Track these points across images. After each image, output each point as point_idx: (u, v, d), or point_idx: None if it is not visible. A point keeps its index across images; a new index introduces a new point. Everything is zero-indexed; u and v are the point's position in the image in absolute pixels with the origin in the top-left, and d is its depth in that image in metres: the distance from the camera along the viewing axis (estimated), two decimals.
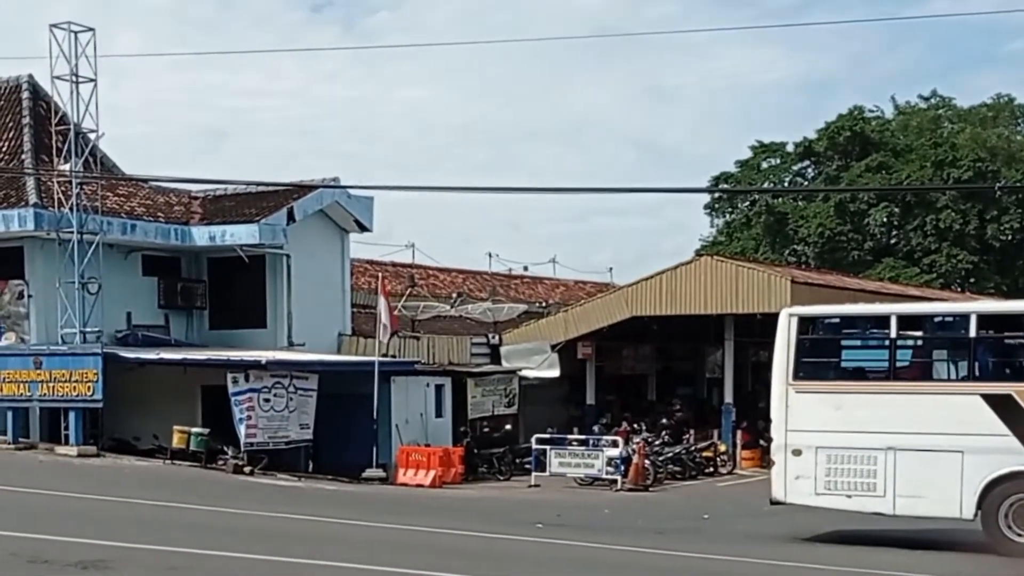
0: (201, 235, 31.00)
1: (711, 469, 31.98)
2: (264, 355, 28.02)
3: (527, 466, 29.26)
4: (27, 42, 67.97)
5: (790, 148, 60.53)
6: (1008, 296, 47.80)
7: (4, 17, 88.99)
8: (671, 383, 41.82)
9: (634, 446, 28.74)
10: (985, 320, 17.90)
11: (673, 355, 42.55)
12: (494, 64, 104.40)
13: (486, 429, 32.95)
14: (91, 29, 28.41)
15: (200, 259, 32.13)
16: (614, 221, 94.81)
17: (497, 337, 36.78)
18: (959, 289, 52.23)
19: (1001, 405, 17.05)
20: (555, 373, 35.51)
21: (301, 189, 31.40)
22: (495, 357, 36.13)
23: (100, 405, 26.77)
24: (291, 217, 31.09)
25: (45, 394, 26.85)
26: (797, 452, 18.24)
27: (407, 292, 38.33)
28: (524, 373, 35.18)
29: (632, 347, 40.42)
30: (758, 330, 31.30)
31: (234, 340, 30.81)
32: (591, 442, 29.15)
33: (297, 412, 27.73)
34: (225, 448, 26.62)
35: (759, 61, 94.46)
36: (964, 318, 18.15)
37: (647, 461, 28.49)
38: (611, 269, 51.92)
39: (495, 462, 30.58)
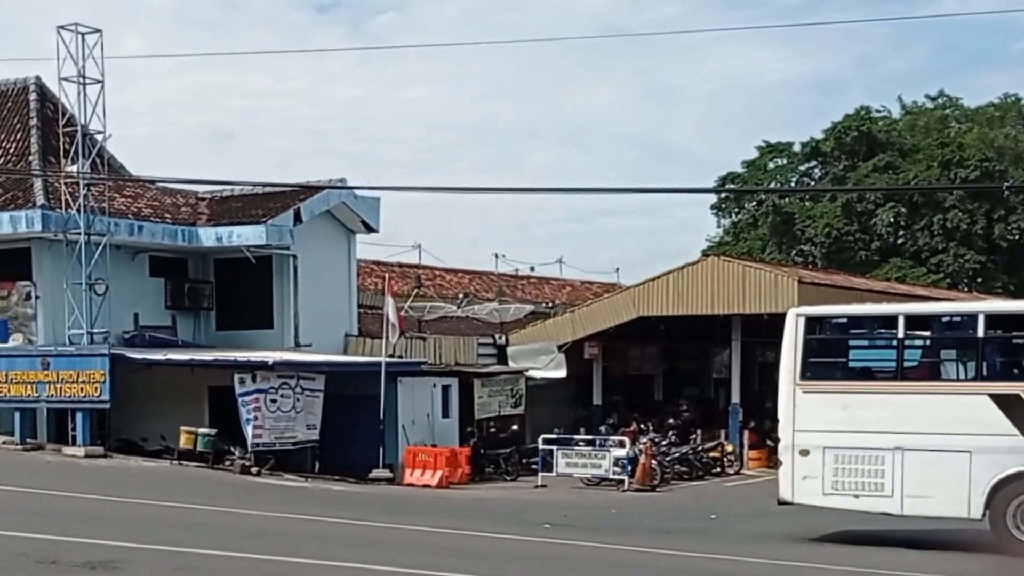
0: (208, 236, 31.04)
1: (718, 469, 31.94)
2: (271, 356, 28.03)
3: (534, 466, 29.25)
4: (34, 44, 68.21)
5: (797, 148, 60.52)
6: (1016, 296, 47.79)
7: (11, 19, 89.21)
8: (678, 383, 41.80)
9: (641, 446, 28.73)
10: (993, 320, 17.85)
11: (680, 355, 42.51)
12: (499, 64, 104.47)
13: (493, 429, 32.95)
14: (98, 30, 28.51)
15: (207, 260, 32.17)
16: (620, 221, 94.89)
17: (504, 337, 36.78)
18: (966, 289, 52.15)
19: (1009, 405, 17.00)
20: (562, 373, 35.50)
21: (308, 190, 31.42)
22: (502, 357, 36.14)
23: (107, 406, 26.79)
24: (298, 218, 31.11)
25: (52, 395, 26.87)
26: (804, 452, 18.20)
27: (414, 293, 38.34)
28: (531, 373, 35.18)
29: (639, 347, 40.39)
30: (765, 330, 31.27)
31: (241, 341, 30.84)
32: (598, 442, 29.14)
33: (304, 413, 27.74)
34: (232, 449, 26.64)
35: (765, 61, 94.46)
36: (972, 318, 18.12)
37: (654, 461, 28.47)
38: (617, 269, 51.93)
39: (502, 462, 30.57)
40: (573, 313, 37.09)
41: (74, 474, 23.55)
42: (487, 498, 26.27)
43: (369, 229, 33.88)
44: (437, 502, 24.41)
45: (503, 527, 18.73)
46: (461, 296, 40.86)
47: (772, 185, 60.24)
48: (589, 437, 30.13)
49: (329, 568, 13.10)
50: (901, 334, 18.16)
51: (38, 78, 31.81)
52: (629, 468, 27.76)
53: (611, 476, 27.95)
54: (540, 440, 29.24)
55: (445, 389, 31.67)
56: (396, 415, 29.43)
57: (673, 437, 32.36)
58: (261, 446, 26.79)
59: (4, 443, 27.02)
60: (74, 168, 28.48)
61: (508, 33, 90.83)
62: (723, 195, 61.21)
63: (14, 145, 31.14)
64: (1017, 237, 53.57)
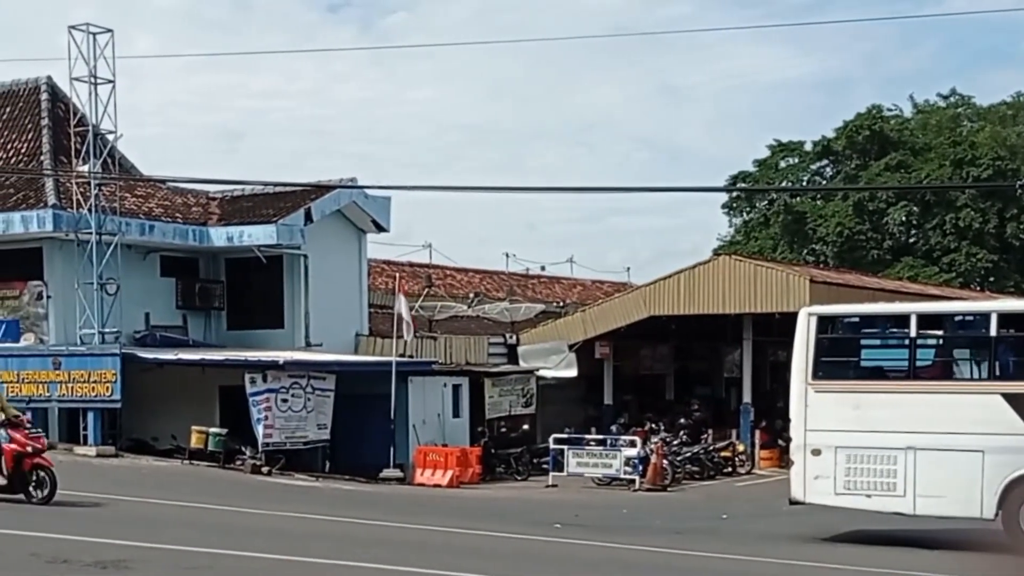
0: (219, 236, 31.08)
1: (729, 469, 31.89)
2: (282, 355, 28.06)
3: (545, 466, 29.22)
4: (45, 44, 68.35)
5: (808, 147, 60.37)
6: None
7: (23, 19, 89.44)
8: (689, 383, 41.73)
9: (652, 446, 28.68)
10: (1005, 319, 17.77)
11: (691, 355, 42.44)
12: (508, 64, 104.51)
13: (503, 429, 32.93)
14: (109, 31, 28.59)
15: (218, 260, 32.21)
16: (631, 221, 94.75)
17: (514, 337, 36.76)
18: (979, 288, 51.98)
19: (1022, 404, 16.94)
20: (572, 373, 35.46)
21: (318, 189, 31.44)
22: (512, 357, 36.11)
23: (119, 405, 26.86)
24: (308, 217, 31.13)
25: (64, 394, 26.95)
26: (816, 452, 18.15)
27: (424, 292, 38.33)
28: (542, 373, 35.15)
29: (650, 347, 40.33)
30: (776, 330, 31.21)
31: (252, 340, 30.87)
32: (609, 442, 29.11)
33: (315, 412, 27.75)
34: (243, 448, 26.66)
35: (775, 60, 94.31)
36: (984, 317, 18.05)
37: (665, 461, 28.43)
38: (628, 269, 51.87)
39: (513, 462, 30.54)
40: (584, 312, 37.06)
41: (86, 474, 23.55)
42: (498, 498, 26.25)
43: (380, 229, 33.89)
44: (448, 502, 24.39)
45: (514, 527, 18.70)
46: (472, 295, 40.84)
47: (783, 184, 60.12)
48: (600, 437, 30.10)
49: (340, 568, 13.08)
50: (913, 333, 18.10)
51: (49, 78, 31.88)
52: (640, 468, 27.73)
53: (622, 476, 27.91)
54: (551, 440, 29.21)
55: (456, 389, 31.67)
56: (407, 415, 29.43)
57: (684, 437, 32.32)
58: (272, 446, 26.81)
59: None
60: (85, 168, 28.55)
61: (516, 33, 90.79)
62: (734, 194, 61.10)
63: (26, 145, 31.21)
64: None
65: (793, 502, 18.72)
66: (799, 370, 18.50)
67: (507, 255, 45.84)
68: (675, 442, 31.15)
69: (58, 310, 28.77)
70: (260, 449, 26.55)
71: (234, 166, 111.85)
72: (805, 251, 56.40)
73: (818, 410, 18.28)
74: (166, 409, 28.29)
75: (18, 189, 29.54)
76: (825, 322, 18.84)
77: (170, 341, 30.18)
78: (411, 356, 31.39)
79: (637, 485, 27.53)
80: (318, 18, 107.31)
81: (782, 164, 61.28)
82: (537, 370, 35.11)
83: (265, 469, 26.08)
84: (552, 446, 28.84)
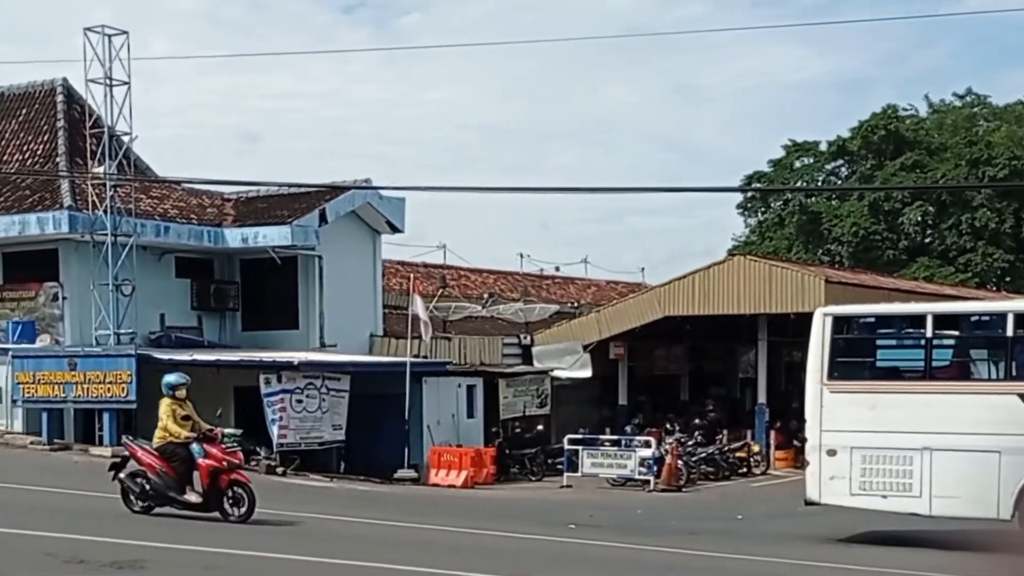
0: (234, 237, 31.14)
1: (744, 469, 31.82)
2: (296, 356, 28.09)
3: (559, 467, 29.20)
4: (61, 46, 68.58)
5: (823, 147, 60.24)
6: None
7: (39, 21, 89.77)
8: (704, 383, 41.65)
9: (667, 446, 28.64)
10: (1022, 319, 17.68)
11: (706, 355, 42.36)
12: (523, 64, 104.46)
13: (518, 430, 32.92)
14: (125, 32, 28.68)
15: (233, 261, 32.27)
16: (645, 221, 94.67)
17: (529, 337, 36.75)
18: (995, 288, 51.79)
19: None
20: (587, 373, 35.43)
21: (333, 190, 31.47)
22: (527, 357, 36.10)
23: (134, 406, 26.88)
24: (323, 218, 31.16)
25: (79, 395, 27.01)
26: (832, 452, 18.10)
27: (439, 293, 38.35)
28: (556, 373, 35.13)
29: (665, 347, 40.27)
30: (791, 330, 31.13)
31: (266, 341, 30.92)
32: (623, 442, 29.07)
33: (330, 413, 27.77)
34: (258, 449, 26.67)
35: (790, 60, 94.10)
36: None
37: (680, 462, 28.38)
38: (643, 269, 51.81)
39: (527, 463, 30.53)
40: (598, 313, 37.02)
41: (101, 474, 23.47)
42: (512, 498, 26.24)
43: (394, 229, 33.91)
44: (462, 502, 24.39)
45: (528, 527, 18.69)
46: (486, 296, 40.84)
47: (798, 184, 59.99)
48: (615, 437, 30.07)
49: (355, 568, 13.09)
50: (929, 333, 18.03)
51: (65, 80, 31.99)
52: (655, 468, 27.68)
53: (637, 476, 27.87)
54: (565, 440, 29.18)
55: (470, 389, 31.67)
56: (421, 415, 29.44)
57: (699, 437, 32.25)
58: (286, 446, 26.84)
59: (32, 443, 27.19)
60: (101, 169, 28.64)
61: (531, 33, 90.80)
62: (749, 194, 61.02)
63: (41, 147, 31.33)
64: None
65: (808, 503, 18.67)
66: (814, 370, 18.45)
67: (521, 256, 45.86)
68: (690, 442, 31.10)
69: (74, 311, 28.86)
70: (275, 449, 26.58)
71: (250, 167, 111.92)
72: (820, 251, 56.28)
73: (833, 410, 18.23)
74: None
75: (34, 191, 29.64)
76: (841, 322, 18.78)
77: (185, 342, 30.24)
78: (425, 357, 31.41)
79: (652, 486, 27.48)
80: (333, 19, 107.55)
81: (797, 164, 61.17)
82: (551, 371, 35.09)
83: (280, 469, 26.10)
84: (566, 446, 28.81)
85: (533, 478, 29.98)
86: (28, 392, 27.50)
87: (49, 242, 28.84)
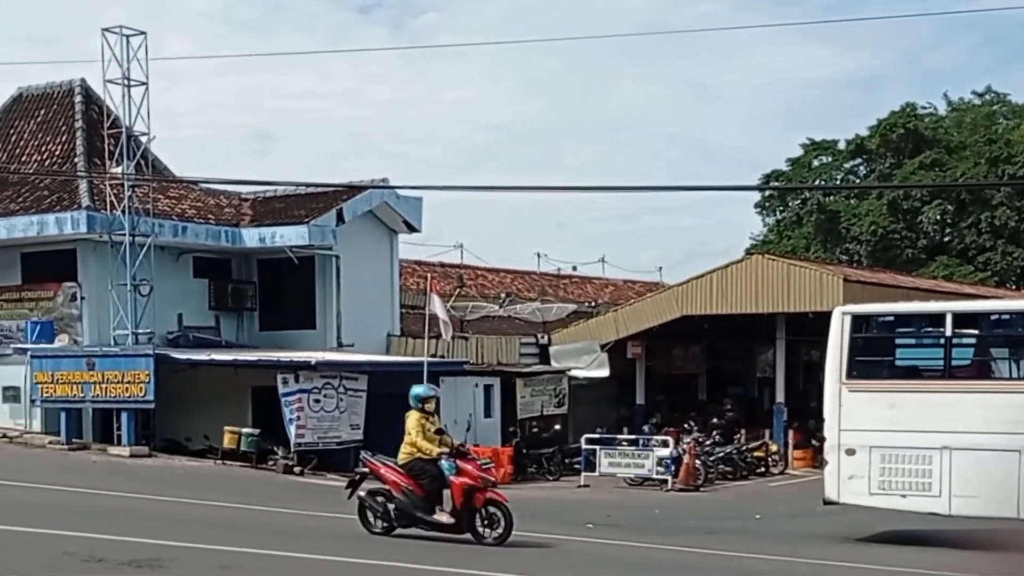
0: (251, 237, 31.17)
1: (762, 469, 31.75)
2: (314, 356, 28.10)
3: (576, 466, 29.17)
4: (79, 47, 68.81)
5: (842, 146, 60.06)
6: None
7: (57, 22, 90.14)
8: (722, 383, 41.57)
9: (684, 446, 28.58)
10: None
11: (724, 354, 42.29)
12: (540, 63, 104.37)
13: (535, 429, 32.90)
14: (142, 33, 28.72)
15: (250, 261, 32.31)
16: (663, 220, 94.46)
17: (546, 337, 36.71)
18: (1014, 287, 51.55)
19: None
20: (604, 373, 35.38)
21: (350, 190, 31.48)
22: (544, 357, 36.06)
23: (152, 406, 26.97)
24: (340, 218, 31.17)
25: (98, 395, 27.08)
26: (851, 452, 18.04)
27: (456, 292, 38.34)
28: (573, 373, 35.09)
29: (682, 347, 40.21)
30: (810, 329, 31.05)
31: (284, 341, 30.95)
32: (641, 442, 29.02)
33: (347, 412, 27.77)
34: (275, 448, 26.72)
35: (808, 58, 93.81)
36: (1020, 316, 17.95)
37: (698, 461, 28.32)
38: (660, 268, 51.83)
39: (544, 462, 30.51)
40: (616, 312, 36.98)
41: (119, 474, 23.71)
42: (529, 498, 26.18)
43: (411, 229, 33.89)
44: None
45: (546, 527, 18.64)
46: (503, 296, 40.83)
47: (816, 183, 59.81)
48: (632, 437, 30.02)
49: (373, 567, 13.09)
50: (949, 332, 17.96)
51: (83, 80, 32.10)
52: (672, 468, 27.63)
53: (654, 476, 27.82)
54: (583, 440, 29.15)
55: (487, 389, 31.66)
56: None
57: (717, 437, 32.19)
58: (305, 446, 26.85)
59: (50, 443, 27.28)
60: (119, 170, 28.71)
61: (547, 32, 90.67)
62: (767, 193, 60.85)
63: (60, 147, 31.44)
64: None
65: (827, 502, 18.62)
66: (833, 369, 18.40)
67: (538, 255, 45.85)
68: (708, 442, 31.03)
69: (92, 311, 28.94)
70: (292, 449, 26.60)
71: (267, 167, 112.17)
72: (838, 250, 56.09)
73: (852, 410, 18.17)
74: (199, 409, 28.40)
75: (52, 191, 29.74)
76: (859, 321, 18.72)
77: (203, 342, 30.29)
78: (443, 356, 31.40)
79: (669, 485, 27.43)
80: (350, 19, 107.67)
81: (815, 163, 60.98)
82: (569, 370, 35.05)
83: (297, 469, 26.14)
84: (584, 446, 28.78)
85: (550, 478, 29.95)
86: (47, 392, 27.60)
87: (67, 242, 28.92)
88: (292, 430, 26.64)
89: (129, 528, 14.81)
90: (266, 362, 27.93)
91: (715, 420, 34.86)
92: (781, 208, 61.72)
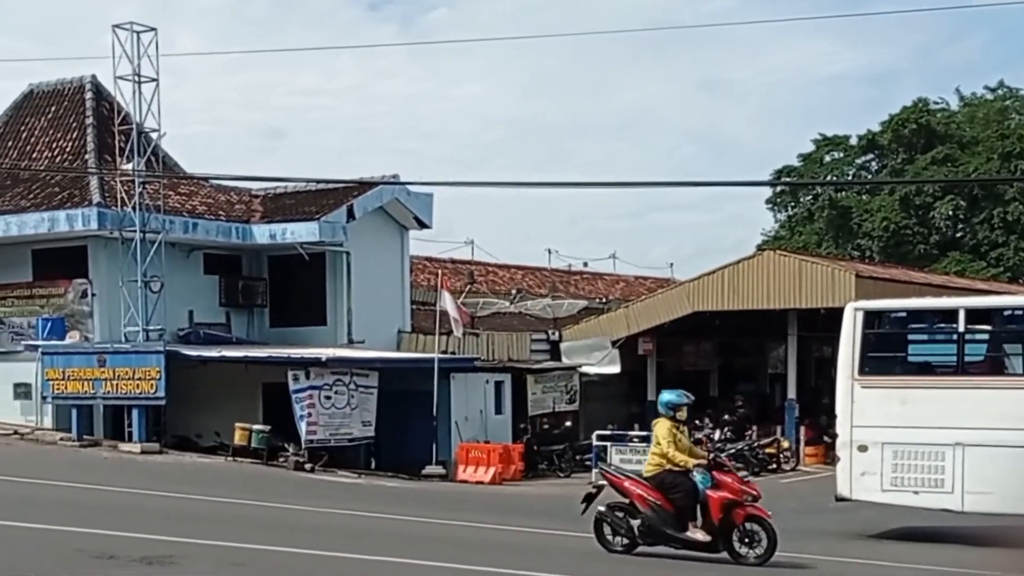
0: (262, 233, 31.17)
1: (774, 466, 31.67)
2: (324, 352, 28.11)
3: (587, 463, 29.12)
4: (90, 43, 68.92)
5: (853, 141, 59.90)
6: None
7: (68, 19, 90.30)
8: (733, 379, 41.50)
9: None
10: None
11: (735, 351, 42.21)
12: (551, 59, 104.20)
13: (546, 426, 32.86)
14: (153, 29, 28.73)
15: (261, 257, 32.31)
16: (674, 216, 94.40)
17: (557, 333, 36.67)
18: None
19: None
20: (616, 369, 35.32)
21: (361, 186, 31.47)
22: (555, 353, 36.02)
23: (163, 402, 27.00)
24: (351, 214, 31.16)
25: (109, 392, 27.12)
26: (863, 448, 17.98)
27: (466, 289, 38.32)
28: (584, 369, 35.04)
29: (694, 343, 40.13)
30: (822, 325, 30.96)
31: (294, 338, 30.95)
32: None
33: (359, 409, 27.76)
34: (286, 445, 26.72)
35: (820, 54, 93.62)
36: None
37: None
38: (671, 264, 51.74)
39: (555, 459, 30.47)
40: (627, 308, 36.92)
41: (130, 470, 23.73)
42: (540, 495, 26.17)
43: (422, 225, 33.87)
44: (490, 499, 24.33)
45: (557, 523, 18.61)
46: (514, 292, 40.81)
47: (828, 179, 59.66)
48: (643, 433, 29.90)
49: (384, 564, 13.06)
50: (961, 328, 17.87)
51: (94, 77, 32.13)
52: None
53: None
54: (594, 436, 29.09)
55: (498, 385, 31.61)
56: (449, 411, 29.39)
57: (728, 433, 32.13)
58: (316, 443, 26.85)
59: (61, 439, 27.31)
60: (129, 166, 28.72)
61: (558, 28, 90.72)
62: (779, 189, 60.71)
63: (70, 144, 31.46)
64: None
65: (839, 499, 18.56)
66: (845, 366, 18.34)
67: (549, 251, 45.90)
68: (719, 439, 30.96)
69: (103, 308, 28.96)
70: (303, 446, 26.59)
71: (277, 163, 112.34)
72: (850, 246, 55.95)
73: (865, 406, 18.11)
74: (210, 406, 28.42)
75: (63, 188, 29.77)
76: (872, 317, 18.65)
77: (213, 338, 30.30)
78: (453, 353, 31.39)
79: None
80: (359, 15, 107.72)
81: (827, 158, 60.82)
82: (580, 366, 35.00)
83: (308, 466, 26.13)
84: (595, 443, 28.72)
85: (561, 474, 29.91)
86: (58, 388, 27.64)
87: (78, 239, 28.95)
88: (303, 427, 26.63)
89: (141, 525, 14.81)
90: (277, 359, 27.93)
91: (726, 416, 34.79)
92: (793, 204, 61.61)
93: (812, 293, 31.70)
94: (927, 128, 56.52)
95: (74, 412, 27.54)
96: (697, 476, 13.97)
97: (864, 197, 57.73)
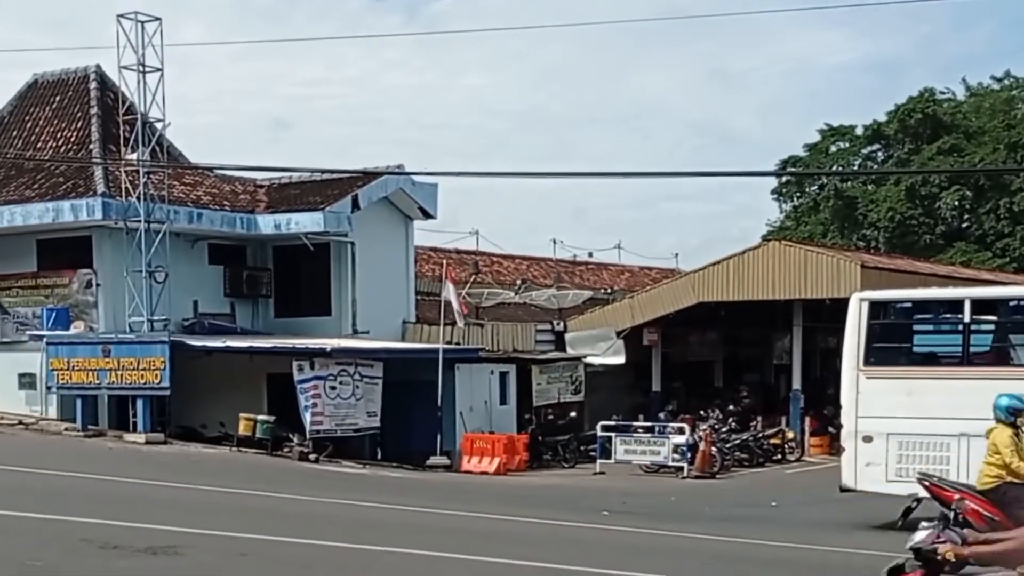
0: (266, 223, 31.16)
1: (779, 456, 31.67)
2: (329, 343, 28.09)
3: (592, 453, 29.11)
4: (95, 33, 68.85)
5: (859, 131, 59.78)
6: None
7: (73, 9, 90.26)
8: (738, 369, 41.47)
9: (700, 433, 28.49)
10: None
11: (740, 341, 42.16)
12: (557, 50, 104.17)
13: (551, 416, 32.85)
14: (157, 19, 28.70)
15: (265, 247, 32.30)
16: (679, 206, 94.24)
17: (562, 324, 36.65)
18: None
19: None
20: (620, 360, 35.32)
21: (365, 176, 31.44)
22: (560, 344, 36.00)
23: (167, 393, 27.01)
24: (356, 204, 31.13)
25: (113, 382, 27.13)
26: (868, 439, 17.95)
27: (471, 279, 38.29)
28: (589, 360, 35.03)
29: (698, 333, 40.10)
30: (827, 315, 30.93)
31: (299, 328, 30.95)
32: (657, 429, 28.95)
33: (364, 400, 27.76)
34: (291, 436, 26.73)
35: (827, 44, 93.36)
36: None
37: (714, 448, 28.23)
38: (676, 255, 51.81)
39: (560, 449, 30.47)
40: (632, 299, 36.89)
41: (135, 460, 23.74)
42: (545, 485, 26.18)
43: (426, 215, 33.85)
44: (495, 489, 24.34)
45: (561, 514, 18.62)
46: (519, 282, 40.76)
47: (834, 169, 59.58)
48: (648, 424, 29.94)
49: (389, 554, 13.05)
50: (967, 318, 17.84)
51: (98, 67, 32.10)
52: (688, 455, 27.55)
53: (670, 463, 27.75)
54: (598, 427, 29.08)
55: (503, 376, 31.61)
56: (454, 402, 29.40)
57: (733, 424, 32.11)
58: (322, 433, 26.86)
59: (66, 429, 27.35)
60: (134, 156, 28.70)
61: (565, 18, 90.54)
62: (784, 179, 60.64)
63: (75, 134, 31.46)
64: None
65: (844, 489, 18.54)
66: (850, 356, 18.31)
67: (554, 241, 45.85)
68: (724, 429, 30.95)
69: (107, 298, 28.97)
70: (308, 436, 26.60)
71: (282, 153, 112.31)
72: (856, 236, 55.89)
73: (870, 396, 18.08)
74: (214, 396, 28.44)
75: (68, 178, 29.76)
76: (877, 308, 18.62)
77: (218, 329, 30.31)
78: (458, 343, 31.38)
79: (685, 472, 27.36)
80: (364, 5, 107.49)
81: (833, 148, 60.74)
82: (585, 357, 34.99)
83: (312, 456, 26.14)
84: (600, 433, 28.71)
85: (566, 465, 29.91)
86: (62, 379, 27.67)
87: (83, 229, 28.94)
88: (308, 417, 26.63)
89: (145, 515, 14.82)
90: (281, 349, 27.94)
91: (731, 407, 34.77)
92: (798, 194, 61.55)
93: (817, 283, 31.66)
94: (933, 118, 56.41)
95: (79, 402, 27.57)
96: None
97: (870, 187, 57.64)
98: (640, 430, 29.04)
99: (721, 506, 21.79)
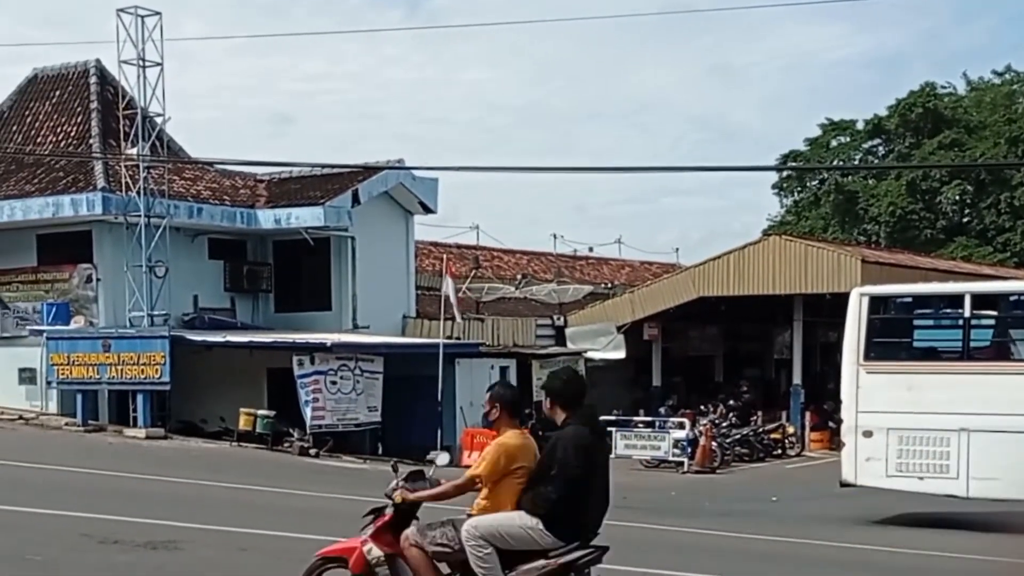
0: (267, 218, 31.12)
1: (779, 451, 31.69)
2: (329, 338, 28.08)
3: None
4: (94, 27, 68.81)
5: (860, 126, 59.73)
6: None
7: (73, 3, 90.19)
8: (738, 364, 41.48)
9: (701, 428, 28.51)
10: None
11: (741, 336, 42.17)
12: (557, 45, 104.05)
13: None
14: (157, 13, 28.63)
15: (266, 242, 32.28)
16: (680, 201, 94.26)
17: (562, 319, 36.64)
18: None
19: None
20: (621, 355, 35.30)
21: (366, 171, 31.42)
22: (560, 339, 35.99)
23: (168, 388, 27.01)
24: (356, 199, 31.11)
25: (113, 377, 27.12)
26: (868, 433, 17.95)
27: (472, 274, 38.28)
28: (590, 355, 34.99)
29: (699, 328, 40.10)
30: (827, 310, 30.95)
31: (299, 323, 30.94)
32: (657, 424, 28.96)
33: (364, 395, 27.76)
34: (291, 430, 26.73)
35: (828, 38, 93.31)
36: None
37: (714, 443, 28.25)
38: (677, 250, 51.77)
39: None
40: (632, 294, 36.90)
41: (135, 455, 23.74)
42: None
43: (427, 210, 33.82)
44: None
45: None
46: (519, 277, 40.76)
47: (835, 163, 59.54)
48: (648, 419, 29.96)
49: None
50: (967, 313, 17.85)
51: (98, 61, 32.08)
52: (689, 450, 27.57)
53: (670, 458, 27.77)
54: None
55: (503, 371, 31.55)
56: (454, 397, 29.38)
57: (733, 418, 32.12)
58: (323, 428, 26.85)
59: (66, 424, 27.33)
60: (134, 151, 28.66)
61: (565, 13, 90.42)
62: (785, 174, 60.59)
63: (75, 128, 31.43)
64: None
65: (844, 484, 18.54)
66: (851, 351, 18.31)
67: (555, 236, 45.84)
68: (724, 424, 30.96)
69: (107, 293, 28.96)
70: (308, 431, 26.60)
71: (283, 148, 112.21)
72: (856, 231, 55.86)
73: (870, 391, 18.08)
74: (214, 391, 28.43)
75: (68, 172, 29.74)
76: (877, 302, 18.61)
77: (218, 323, 30.30)
78: (458, 338, 31.37)
79: (686, 467, 27.38)
80: (365, 1, 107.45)
81: (833, 143, 60.67)
82: (585, 352, 34.96)
83: (313, 451, 26.14)
84: None
85: None
86: (63, 374, 27.65)
87: (83, 224, 28.92)
88: (308, 412, 26.63)
89: (145, 510, 14.83)
90: (282, 344, 27.93)
91: (732, 402, 34.78)
92: (799, 189, 61.50)
93: (818, 278, 31.66)
94: (934, 113, 56.34)
95: (79, 397, 27.56)
96: None
97: (871, 182, 57.59)
98: (640, 425, 29.08)
99: (721, 501, 21.80)
